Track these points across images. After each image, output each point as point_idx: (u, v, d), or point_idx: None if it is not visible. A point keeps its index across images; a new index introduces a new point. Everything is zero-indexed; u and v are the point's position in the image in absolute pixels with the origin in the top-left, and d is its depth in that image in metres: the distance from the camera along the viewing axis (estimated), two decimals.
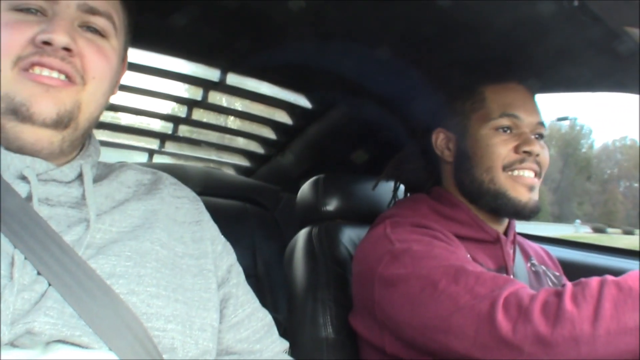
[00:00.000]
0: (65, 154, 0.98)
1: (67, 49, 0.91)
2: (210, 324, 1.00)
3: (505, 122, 1.39)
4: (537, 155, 1.38)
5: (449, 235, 1.35)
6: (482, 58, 1.50)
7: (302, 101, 2.20)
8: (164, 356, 0.89)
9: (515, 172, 1.38)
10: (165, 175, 1.15)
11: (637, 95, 1.56)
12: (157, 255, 0.96)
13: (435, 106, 1.51)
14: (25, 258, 0.85)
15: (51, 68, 0.90)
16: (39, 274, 0.85)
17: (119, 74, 1.06)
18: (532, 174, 1.39)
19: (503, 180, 1.38)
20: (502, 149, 1.38)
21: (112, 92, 1.03)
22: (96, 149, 1.05)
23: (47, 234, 0.87)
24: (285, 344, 1.16)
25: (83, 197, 0.95)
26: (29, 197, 0.89)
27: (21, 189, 0.90)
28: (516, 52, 1.49)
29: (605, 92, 1.64)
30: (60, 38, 0.90)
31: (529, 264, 1.53)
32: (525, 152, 1.37)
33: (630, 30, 1.15)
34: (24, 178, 0.91)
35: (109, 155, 2.43)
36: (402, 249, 1.28)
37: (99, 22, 0.97)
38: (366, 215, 1.68)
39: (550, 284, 1.52)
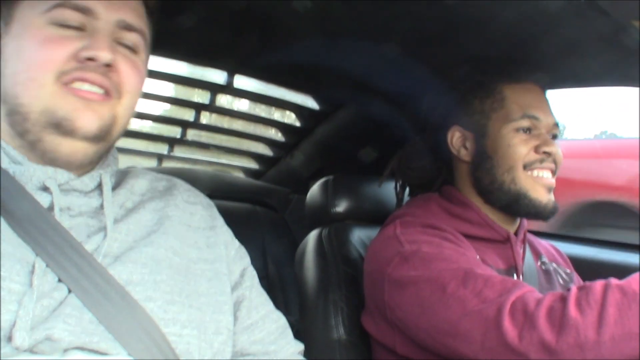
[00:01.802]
0: (91, 164, 0.99)
1: (107, 65, 0.93)
2: (225, 327, 1.01)
3: (526, 123, 1.39)
4: (555, 155, 1.39)
5: (458, 236, 1.34)
6: (499, 56, 1.49)
7: (310, 102, 2.20)
8: None
9: (535, 173, 1.38)
10: (179, 182, 1.16)
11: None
12: (170, 262, 0.97)
13: (449, 104, 1.50)
14: (47, 266, 0.86)
15: (93, 83, 0.92)
16: (59, 281, 0.86)
17: None
18: (550, 175, 1.39)
19: (524, 181, 1.38)
20: (523, 149, 1.38)
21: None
22: (115, 158, 1.07)
23: (68, 242, 0.88)
24: (300, 346, 1.17)
25: (101, 206, 0.96)
26: (51, 207, 0.91)
27: (43, 199, 0.91)
28: (523, 48, 1.48)
29: (611, 86, 1.63)
30: (104, 55, 0.92)
31: (539, 263, 1.52)
32: (545, 152, 1.37)
33: (637, 23, 1.14)
34: (46, 189, 0.92)
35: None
36: (411, 251, 1.29)
37: (133, 38, 0.99)
38: (376, 215, 1.68)
39: (561, 281, 1.52)
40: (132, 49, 0.99)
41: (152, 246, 0.96)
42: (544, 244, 1.64)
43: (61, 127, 0.90)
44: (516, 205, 1.39)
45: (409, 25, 1.50)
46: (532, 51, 1.50)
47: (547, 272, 1.51)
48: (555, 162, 1.39)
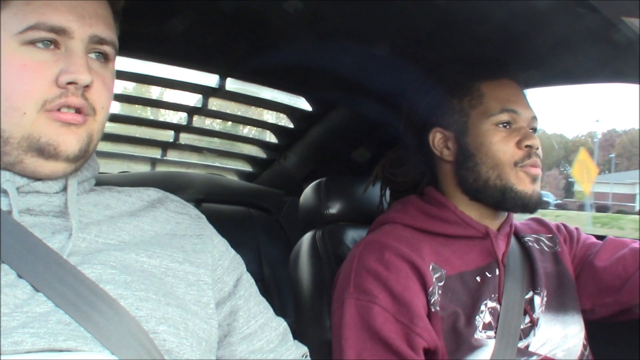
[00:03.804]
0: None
1: (86, 86, 0.92)
2: (203, 329, 0.99)
3: (505, 117, 1.40)
4: (537, 148, 1.40)
5: (415, 259, 1.34)
6: (475, 55, 1.50)
7: (303, 104, 2.20)
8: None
9: (523, 168, 1.39)
10: (170, 195, 1.16)
11: (635, 85, 1.55)
12: (142, 267, 0.96)
13: (427, 106, 1.51)
14: (3, 262, 0.85)
15: (74, 107, 0.92)
16: (19, 277, 0.85)
17: None
18: (536, 166, 1.40)
19: (511, 176, 1.39)
20: (505, 146, 1.39)
21: None
22: (89, 165, 1.05)
23: (29, 239, 0.88)
24: (303, 349, 1.17)
25: (66, 205, 0.95)
26: (10, 210, 0.90)
27: (3, 202, 0.91)
28: (514, 45, 1.49)
29: (603, 83, 1.64)
30: (84, 78, 0.91)
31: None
32: (527, 146, 1.39)
33: (628, 20, 1.14)
34: (5, 192, 0.91)
35: (111, 166, 2.44)
36: (349, 298, 1.35)
37: (105, 49, 0.98)
38: (369, 216, 1.68)
39: (546, 248, 1.56)
40: (104, 58, 0.98)
41: (122, 251, 0.95)
42: (525, 223, 1.65)
43: (44, 152, 0.90)
44: (503, 201, 1.40)
45: (400, 25, 1.50)
46: (524, 49, 1.51)
47: (529, 250, 1.52)
48: (537, 155, 1.41)
